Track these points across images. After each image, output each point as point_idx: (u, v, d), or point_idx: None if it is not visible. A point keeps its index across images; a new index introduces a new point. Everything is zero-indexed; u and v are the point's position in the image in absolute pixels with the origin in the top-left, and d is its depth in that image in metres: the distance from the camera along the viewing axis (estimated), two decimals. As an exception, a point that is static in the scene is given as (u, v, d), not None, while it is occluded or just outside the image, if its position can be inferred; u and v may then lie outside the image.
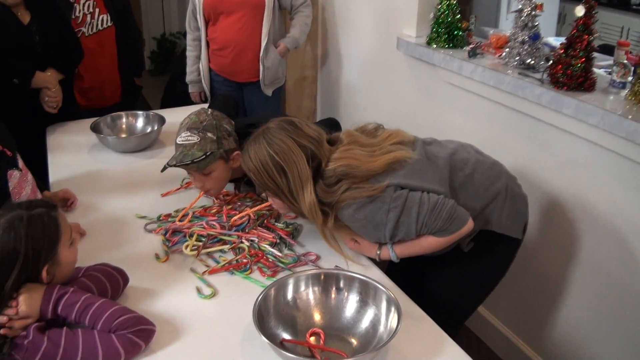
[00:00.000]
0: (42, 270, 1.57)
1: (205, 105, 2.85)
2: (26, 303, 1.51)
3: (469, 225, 1.87)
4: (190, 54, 3.75)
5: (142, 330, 1.55)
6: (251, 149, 1.88)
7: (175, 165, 2.13)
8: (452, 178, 1.93)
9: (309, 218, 1.90)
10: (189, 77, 3.79)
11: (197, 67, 3.74)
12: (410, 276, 2.10)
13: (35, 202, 1.65)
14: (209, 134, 2.13)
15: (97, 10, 3.42)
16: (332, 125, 2.40)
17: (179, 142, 2.15)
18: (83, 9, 3.39)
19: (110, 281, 1.76)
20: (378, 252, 1.97)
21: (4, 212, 1.56)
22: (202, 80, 3.73)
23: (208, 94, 3.76)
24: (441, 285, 2.11)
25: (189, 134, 2.13)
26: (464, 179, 1.95)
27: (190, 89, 3.83)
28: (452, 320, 1.91)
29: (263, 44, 3.52)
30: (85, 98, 3.53)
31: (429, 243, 1.89)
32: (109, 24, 3.48)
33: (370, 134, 1.99)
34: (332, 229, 1.90)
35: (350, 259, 1.98)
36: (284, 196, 1.88)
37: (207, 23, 3.59)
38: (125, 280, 1.83)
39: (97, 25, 3.44)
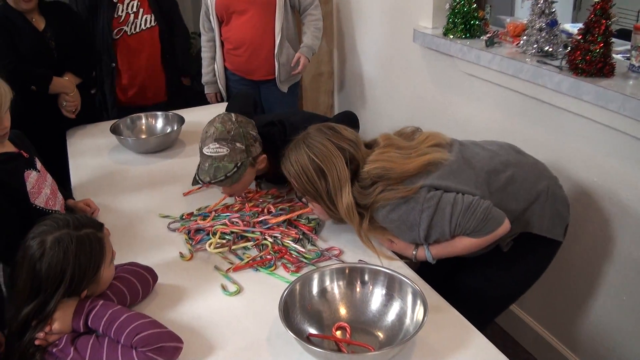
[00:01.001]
0: (84, 290, 1.59)
1: (224, 105, 2.84)
2: (59, 321, 1.54)
3: (505, 226, 1.84)
4: (205, 55, 3.75)
5: (163, 348, 1.52)
6: (292, 155, 1.93)
7: (210, 182, 2.16)
8: (491, 181, 1.92)
9: (346, 220, 1.92)
10: (204, 79, 3.79)
11: (212, 68, 3.74)
12: (442, 270, 2.09)
13: (83, 220, 1.64)
14: (238, 144, 2.14)
15: (141, 10, 3.44)
16: (349, 118, 2.41)
17: (207, 154, 2.15)
18: (126, 9, 3.42)
19: (140, 281, 1.79)
20: (414, 253, 1.96)
21: (50, 229, 1.56)
22: (218, 81, 3.73)
23: (224, 94, 3.76)
24: (475, 282, 2.09)
25: (217, 145, 2.13)
26: (504, 182, 1.93)
27: (206, 90, 3.83)
28: (482, 316, 1.89)
29: (277, 41, 3.51)
30: (125, 95, 3.56)
31: (463, 244, 1.88)
32: (153, 24, 3.49)
33: (407, 137, 2.01)
34: (366, 230, 1.92)
35: (386, 257, 1.98)
36: (322, 200, 1.92)
37: (220, 23, 3.59)
38: (154, 278, 1.85)
39: (140, 24, 3.46)
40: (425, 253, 1.94)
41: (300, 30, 3.69)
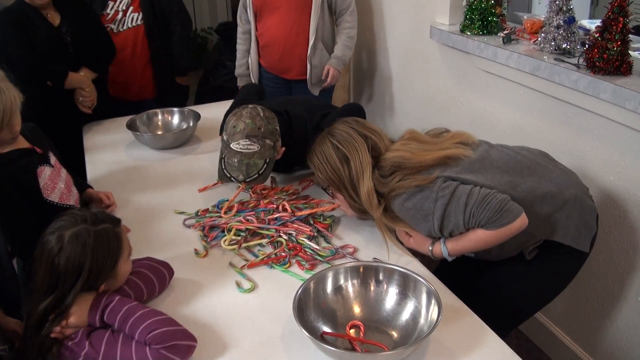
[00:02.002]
0: (101, 285, 1.61)
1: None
2: (75, 315, 1.56)
3: (522, 221, 1.79)
4: (239, 47, 3.70)
5: (177, 347, 1.52)
6: (317, 147, 1.99)
7: (244, 181, 2.21)
8: (516, 182, 1.88)
9: (367, 208, 1.93)
10: (237, 71, 3.74)
11: (246, 61, 3.69)
12: (463, 277, 2.08)
13: (101, 216, 1.66)
14: (268, 141, 2.20)
15: (130, 8, 3.45)
16: (355, 109, 2.43)
17: (237, 149, 2.18)
18: (116, 6, 3.43)
19: (156, 276, 1.80)
20: (430, 248, 1.96)
21: (68, 224, 1.58)
22: (251, 74, 3.68)
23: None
24: (499, 290, 2.05)
25: (248, 142, 2.17)
26: (530, 185, 1.89)
27: (239, 83, 3.77)
28: (505, 324, 1.86)
29: (310, 42, 3.46)
30: (112, 89, 3.56)
31: (478, 237, 1.84)
32: (139, 22, 3.49)
33: (435, 136, 2.02)
34: (380, 219, 1.93)
35: (401, 249, 2.01)
36: (345, 189, 1.95)
37: (256, 17, 3.54)
38: (171, 273, 1.87)
39: (126, 22, 3.47)
40: (442, 247, 1.92)
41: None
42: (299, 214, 2.18)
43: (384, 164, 1.90)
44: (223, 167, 2.24)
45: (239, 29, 3.67)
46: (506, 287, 2.05)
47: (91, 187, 2.39)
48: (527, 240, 1.91)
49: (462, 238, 1.87)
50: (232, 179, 2.22)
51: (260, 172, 2.20)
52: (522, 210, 1.80)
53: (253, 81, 3.69)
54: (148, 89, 3.67)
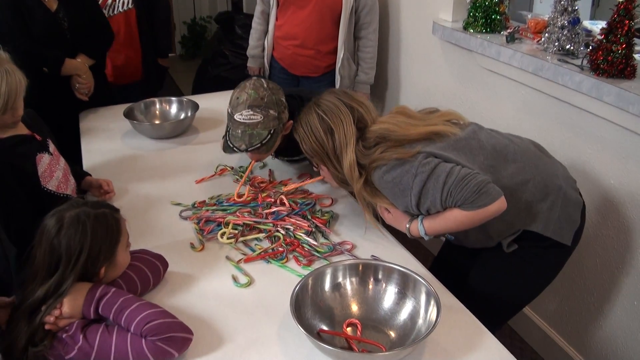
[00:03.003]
0: (100, 269, 1.60)
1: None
2: (69, 305, 1.54)
3: (500, 204, 1.76)
4: (256, 27, 3.61)
5: (173, 339, 1.51)
6: (303, 117, 1.98)
7: (246, 150, 2.19)
8: (500, 167, 1.87)
9: (348, 180, 1.92)
10: (251, 52, 3.66)
11: (262, 43, 3.61)
12: (454, 273, 2.07)
13: (100, 202, 1.69)
14: (271, 111, 2.17)
15: None
16: None
17: (240, 120, 2.16)
18: None
19: (151, 270, 1.78)
20: (407, 226, 1.93)
21: (68, 208, 1.59)
22: (265, 58, 3.61)
23: (268, 73, 3.66)
24: (485, 286, 2.04)
25: (251, 112, 2.15)
26: (514, 171, 1.88)
27: (250, 63, 3.70)
28: (493, 319, 1.85)
29: (340, 54, 3.41)
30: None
31: (454, 217, 1.81)
32: (130, 6, 3.50)
33: (425, 114, 2.01)
34: (360, 192, 1.91)
35: (376, 226, 2.01)
36: (329, 160, 1.94)
37: (278, 5, 3.46)
38: (165, 266, 1.85)
39: (117, 7, 3.47)
40: (419, 226, 1.90)
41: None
42: (286, 189, 2.24)
43: (368, 136, 1.89)
44: (227, 139, 2.22)
45: (258, 8, 3.58)
46: (491, 283, 2.04)
47: (90, 175, 2.37)
48: (505, 229, 1.90)
49: (439, 217, 1.85)
50: (234, 149, 2.20)
51: (264, 141, 2.17)
52: (501, 194, 1.76)
53: (266, 66, 3.64)
54: (137, 72, 3.70)
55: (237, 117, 2.16)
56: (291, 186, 2.29)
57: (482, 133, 1.95)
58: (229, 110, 2.22)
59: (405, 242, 2.07)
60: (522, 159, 1.92)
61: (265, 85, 2.20)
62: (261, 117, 2.15)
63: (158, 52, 3.84)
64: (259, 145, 2.17)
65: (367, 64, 3.53)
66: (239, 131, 2.17)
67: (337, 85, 3.51)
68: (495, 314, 1.93)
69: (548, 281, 2.10)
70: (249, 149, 2.18)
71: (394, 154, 1.82)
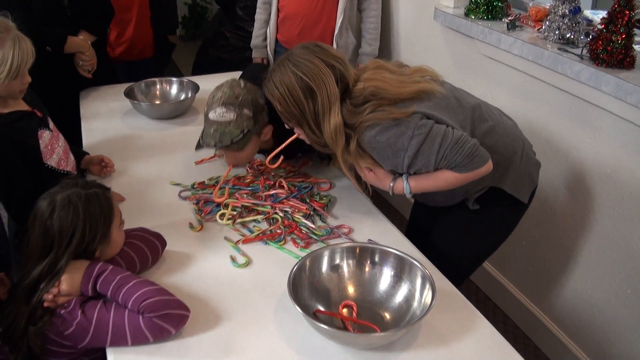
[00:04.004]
0: (97, 249, 1.62)
1: (237, 75, 2.79)
2: (67, 282, 1.56)
3: (489, 166, 1.84)
4: (259, 16, 3.62)
5: (170, 315, 1.53)
6: (276, 75, 1.85)
7: (215, 146, 2.11)
8: (475, 125, 1.92)
9: (330, 145, 1.87)
10: (253, 42, 3.66)
11: (263, 32, 3.61)
12: (418, 230, 2.11)
13: (90, 182, 1.69)
14: (246, 110, 2.08)
15: None
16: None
17: (213, 119, 2.09)
18: None
19: (149, 248, 1.80)
20: (391, 184, 1.93)
21: (60, 190, 1.61)
22: (268, 47, 3.61)
23: (272, 62, 3.65)
24: (448, 243, 2.11)
25: (224, 109, 2.07)
26: (486, 130, 1.93)
27: (254, 54, 3.69)
28: (456, 275, 1.90)
29: (338, 22, 3.41)
30: (114, 51, 3.56)
31: (445, 177, 1.84)
32: None
33: (397, 66, 1.98)
34: (355, 152, 1.86)
35: (357, 187, 2.02)
36: (307, 123, 1.87)
37: None
38: (163, 244, 1.87)
39: None
40: (404, 185, 1.90)
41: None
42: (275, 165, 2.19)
43: (356, 94, 1.82)
44: (201, 137, 2.17)
45: None
46: (453, 240, 2.11)
47: (88, 154, 2.39)
48: (474, 186, 1.95)
49: (429, 177, 1.87)
50: (203, 145, 2.14)
51: (234, 140, 2.07)
52: (489, 157, 1.83)
53: (269, 54, 3.63)
54: (148, 48, 3.69)
55: (210, 115, 2.10)
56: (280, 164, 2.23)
57: (458, 92, 1.97)
58: (205, 109, 2.15)
59: (394, 220, 2.10)
60: (492, 119, 1.97)
61: (242, 85, 2.12)
62: (234, 116, 2.06)
63: (167, 28, 3.83)
64: (229, 142, 2.07)
65: (370, 35, 3.52)
66: (212, 129, 2.09)
67: None
68: (458, 270, 1.97)
69: (505, 237, 2.19)
70: (217, 145, 2.09)
71: (390, 114, 1.78)
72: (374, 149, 1.85)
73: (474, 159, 1.79)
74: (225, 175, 2.25)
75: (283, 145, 2.08)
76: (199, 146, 2.19)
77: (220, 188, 2.20)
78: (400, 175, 1.92)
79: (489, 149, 1.86)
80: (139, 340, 1.52)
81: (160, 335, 1.53)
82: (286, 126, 1.99)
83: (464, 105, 1.92)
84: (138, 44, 3.62)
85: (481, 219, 2.08)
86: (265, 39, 3.59)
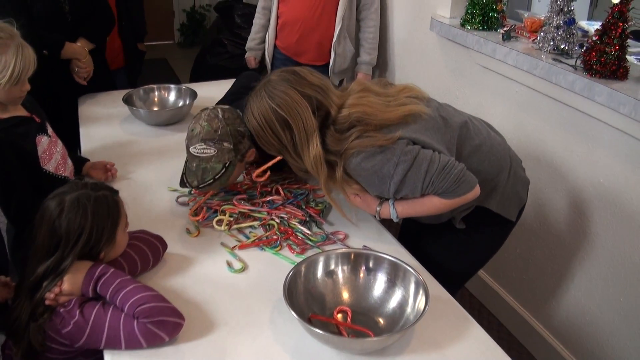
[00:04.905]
0: (102, 250, 1.64)
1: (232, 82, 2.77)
2: (69, 282, 1.58)
3: (476, 191, 1.83)
4: (257, 21, 3.67)
5: (164, 322, 1.54)
6: (253, 105, 1.85)
7: (198, 187, 2.07)
8: (461, 145, 1.91)
9: (312, 172, 1.87)
10: (249, 44, 3.71)
11: (260, 36, 3.66)
12: (407, 245, 2.09)
13: (99, 184, 1.71)
14: (225, 144, 2.04)
15: None
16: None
17: (194, 154, 2.06)
18: None
19: (150, 249, 1.83)
20: (378, 209, 1.94)
21: (69, 190, 1.62)
22: (266, 52, 3.65)
23: (269, 68, 3.70)
24: (435, 258, 2.08)
25: (204, 146, 2.03)
26: (472, 148, 1.93)
27: (247, 55, 3.75)
28: (445, 286, 1.87)
29: (336, 30, 3.45)
30: None
31: (432, 203, 1.85)
32: None
33: (382, 86, 1.97)
34: (341, 179, 1.85)
35: (341, 211, 2.01)
36: (287, 152, 1.87)
37: None
38: (164, 246, 1.90)
39: None
40: (390, 210, 1.91)
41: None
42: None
43: (341, 120, 1.80)
44: (183, 172, 2.13)
45: (260, 3, 3.65)
46: (441, 256, 2.10)
47: (88, 160, 2.41)
48: (460, 206, 1.93)
49: (415, 202, 1.87)
50: (187, 184, 2.11)
51: (217, 177, 2.05)
52: (476, 181, 1.83)
53: (267, 60, 3.67)
54: (120, 58, 3.65)
55: (192, 150, 2.07)
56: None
57: (444, 111, 1.95)
58: (186, 141, 2.12)
59: (390, 227, 2.12)
60: (479, 137, 1.96)
61: (220, 116, 2.06)
62: (214, 151, 2.03)
63: (136, 37, 3.79)
64: (211, 181, 2.04)
65: (369, 44, 3.57)
66: (194, 164, 2.07)
67: (331, 64, 3.53)
68: (447, 283, 1.95)
69: (492, 254, 2.21)
70: (200, 186, 2.07)
71: (376, 141, 1.77)
72: (360, 175, 1.85)
73: (461, 184, 1.79)
74: (206, 197, 2.21)
75: (269, 164, 2.05)
76: (183, 184, 2.13)
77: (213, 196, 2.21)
78: (387, 199, 1.93)
79: (474, 169, 1.86)
80: (132, 345, 1.53)
81: (153, 341, 1.54)
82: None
83: (451, 125, 1.91)
84: (109, 54, 3.51)
85: (468, 237, 2.09)
86: (260, 42, 3.63)
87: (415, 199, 1.87)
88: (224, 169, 2.05)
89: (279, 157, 1.98)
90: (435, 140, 1.84)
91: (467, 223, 2.04)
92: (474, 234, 2.08)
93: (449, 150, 1.86)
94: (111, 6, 3.44)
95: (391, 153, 1.78)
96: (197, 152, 2.05)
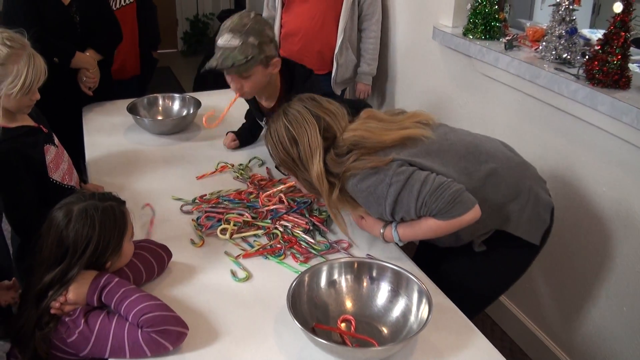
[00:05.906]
0: (108, 260, 1.65)
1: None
2: (74, 292, 1.59)
3: (474, 213, 1.78)
4: None
5: (168, 332, 1.54)
6: (272, 125, 1.92)
7: (216, 68, 2.15)
8: (473, 168, 1.88)
9: (317, 189, 1.90)
10: None
11: None
12: (424, 267, 2.10)
13: (107, 195, 1.73)
14: (251, 38, 2.13)
15: None
16: (362, 104, 2.42)
17: (220, 45, 2.15)
18: None
19: (156, 259, 1.84)
20: (382, 231, 1.95)
21: (76, 201, 1.64)
22: None
23: None
24: (455, 282, 2.03)
25: (231, 36, 2.13)
26: (486, 172, 1.89)
27: None
28: (464, 310, 1.84)
29: (339, 41, 3.47)
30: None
31: (428, 226, 1.83)
32: (131, 0, 3.54)
33: (392, 114, 2.00)
34: (336, 200, 1.89)
35: (345, 231, 2.01)
36: (297, 168, 1.90)
37: (283, 5, 3.54)
38: (169, 255, 1.91)
39: (120, 1, 3.50)
40: (392, 232, 1.92)
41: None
42: (285, 186, 2.25)
43: (341, 144, 1.85)
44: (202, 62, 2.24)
45: (264, 12, 3.68)
46: (460, 280, 2.05)
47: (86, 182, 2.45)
48: (478, 228, 1.91)
49: (414, 225, 1.87)
50: (207, 67, 2.18)
51: (236, 63, 2.13)
52: (475, 203, 1.79)
53: None
54: (137, 66, 3.75)
55: (218, 41, 2.16)
56: (290, 183, 2.30)
57: (453, 134, 1.96)
58: (216, 38, 2.21)
59: (405, 248, 2.11)
60: (493, 160, 1.94)
61: (252, 16, 2.18)
62: (239, 42, 2.12)
63: (150, 45, 3.91)
64: (230, 64, 2.13)
65: (369, 55, 3.59)
66: (218, 54, 2.15)
67: (334, 74, 3.55)
68: (467, 307, 1.97)
69: (516, 279, 2.14)
70: (218, 67, 2.14)
71: (368, 163, 1.81)
72: (359, 197, 1.88)
73: (456, 205, 1.75)
74: (228, 108, 2.35)
75: (228, 107, 2.25)
76: (203, 69, 2.22)
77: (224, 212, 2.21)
78: (390, 222, 1.93)
79: (490, 192, 1.87)
80: (137, 354, 1.53)
81: (157, 350, 1.54)
82: (283, 173, 2.06)
83: (458, 149, 1.90)
84: (129, 62, 3.66)
85: (489, 260, 2.02)
86: None
87: (413, 221, 1.87)
88: (245, 60, 2.13)
89: (236, 97, 2.21)
90: (435, 162, 1.84)
91: (487, 246, 1.99)
92: (494, 257, 2.01)
93: (456, 172, 1.84)
94: (132, 17, 3.55)
95: (384, 174, 1.80)
96: (223, 43, 2.14)
